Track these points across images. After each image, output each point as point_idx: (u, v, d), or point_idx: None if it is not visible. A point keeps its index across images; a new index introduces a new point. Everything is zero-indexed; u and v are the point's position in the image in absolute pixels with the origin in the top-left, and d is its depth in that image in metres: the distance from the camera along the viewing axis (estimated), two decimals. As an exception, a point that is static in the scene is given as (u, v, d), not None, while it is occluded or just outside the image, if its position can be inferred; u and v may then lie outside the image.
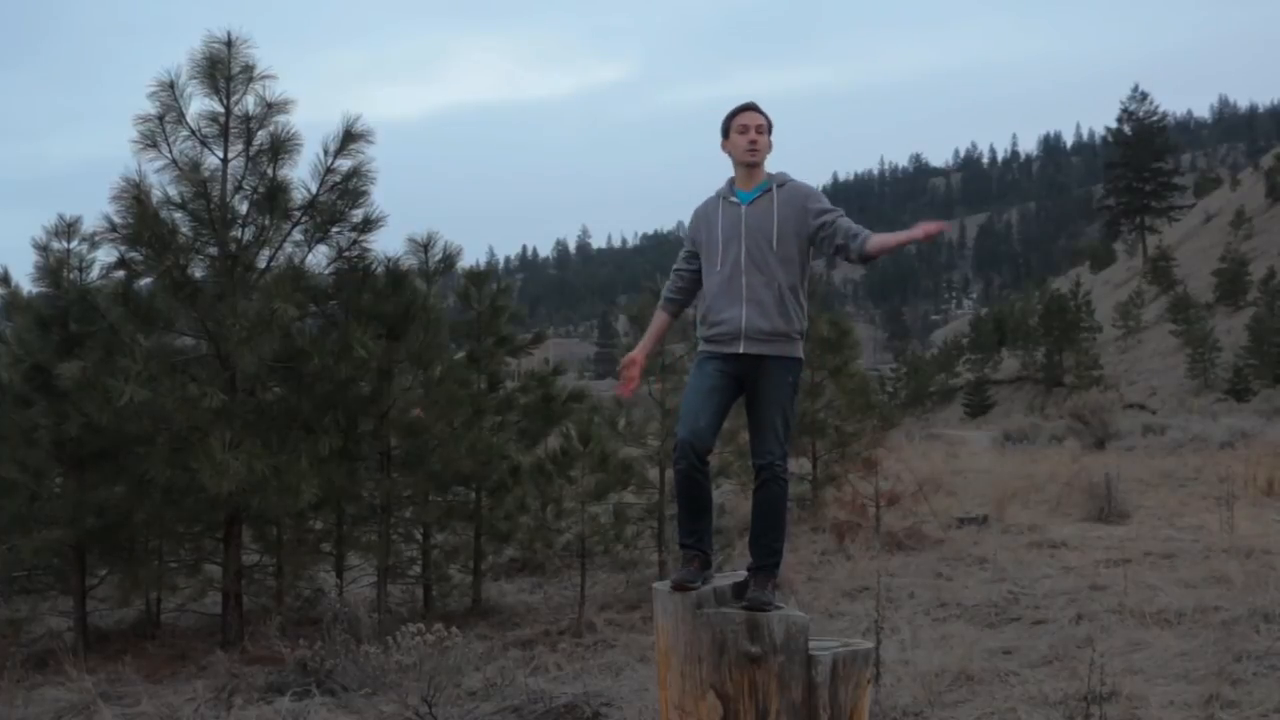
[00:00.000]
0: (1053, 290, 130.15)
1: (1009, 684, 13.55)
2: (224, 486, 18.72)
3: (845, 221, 8.01)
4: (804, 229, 8.07)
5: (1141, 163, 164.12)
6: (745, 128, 7.97)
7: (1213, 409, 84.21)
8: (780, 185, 8.09)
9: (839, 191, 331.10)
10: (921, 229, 7.51)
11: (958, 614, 17.49)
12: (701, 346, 8.17)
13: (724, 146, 8.13)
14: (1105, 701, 11.71)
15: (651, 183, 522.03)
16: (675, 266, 8.51)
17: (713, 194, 8.16)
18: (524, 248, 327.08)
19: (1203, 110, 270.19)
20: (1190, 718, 11.48)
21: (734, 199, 8.05)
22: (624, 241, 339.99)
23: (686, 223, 8.64)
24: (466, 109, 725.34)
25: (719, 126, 8.14)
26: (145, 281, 20.24)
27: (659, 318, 8.69)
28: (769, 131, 8.07)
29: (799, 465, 30.79)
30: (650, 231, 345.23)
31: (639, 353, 8.49)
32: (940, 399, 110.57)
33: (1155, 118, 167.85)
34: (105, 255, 20.20)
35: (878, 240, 7.88)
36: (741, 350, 7.87)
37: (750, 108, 8.09)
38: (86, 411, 19.40)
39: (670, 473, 24.30)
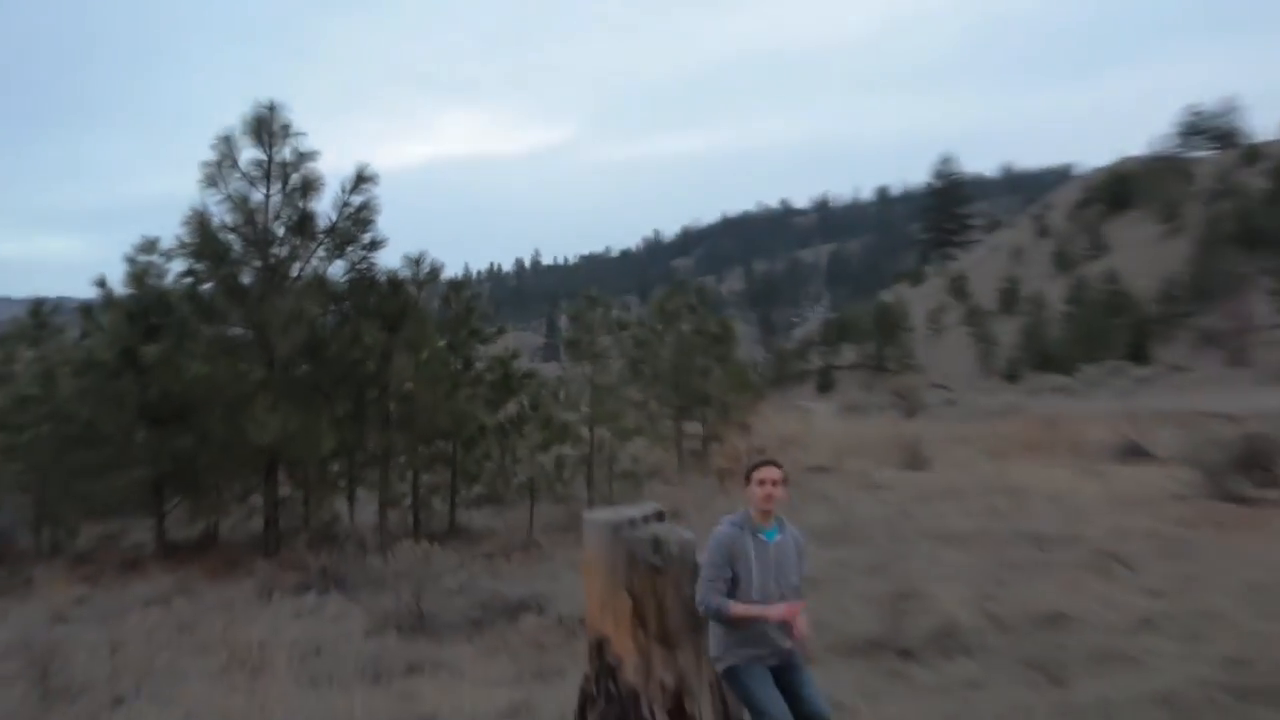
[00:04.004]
0: (881, 301, 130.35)
1: (843, 585, 13.69)
2: (265, 439, 19.02)
3: None
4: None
5: (946, 209, 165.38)
6: (764, 481, 6.85)
7: (992, 388, 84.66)
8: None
9: (729, 226, 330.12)
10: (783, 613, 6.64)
11: (809, 537, 17.59)
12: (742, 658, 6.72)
13: (745, 490, 6.98)
14: (910, 598, 11.96)
15: (585, 215, 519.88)
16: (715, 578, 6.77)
17: (733, 526, 6.89)
18: (490, 263, 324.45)
19: (992, 171, 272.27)
20: (968, 606, 11.69)
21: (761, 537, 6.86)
22: (566, 260, 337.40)
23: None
24: (447, 161, 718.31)
25: (743, 473, 7.07)
26: (207, 286, 20.34)
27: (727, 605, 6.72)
28: (784, 483, 6.94)
29: (692, 427, 30.97)
30: (586, 252, 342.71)
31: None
32: (798, 379, 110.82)
33: (956, 176, 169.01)
34: (177, 266, 20.42)
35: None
36: (778, 663, 6.70)
37: (769, 463, 7.01)
38: (163, 382, 19.70)
39: (598, 430, 24.60)
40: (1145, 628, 10.76)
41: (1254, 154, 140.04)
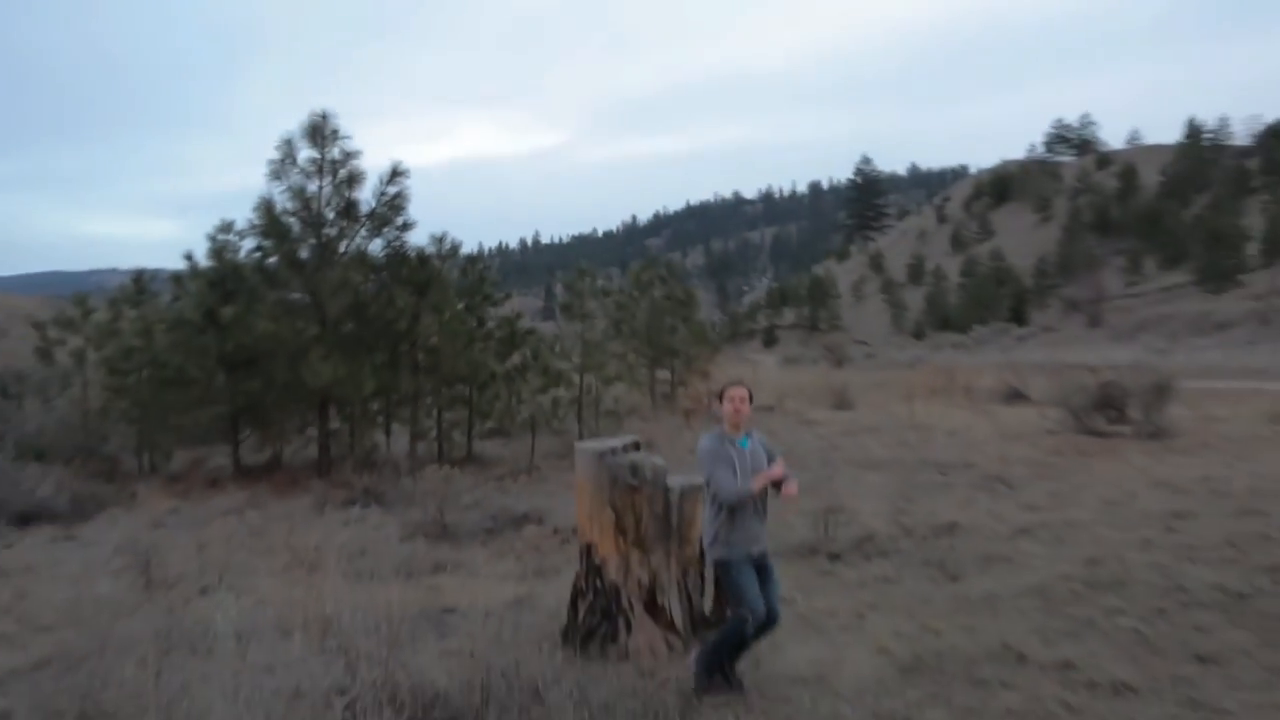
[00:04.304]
0: (814, 274, 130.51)
1: (783, 504, 13.79)
2: (318, 382, 18.97)
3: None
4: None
5: (866, 200, 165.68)
6: (733, 398, 6.66)
7: (903, 344, 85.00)
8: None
9: (692, 212, 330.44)
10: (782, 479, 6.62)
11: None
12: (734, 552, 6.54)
13: (719, 406, 6.80)
14: (838, 512, 11.99)
15: (576, 203, 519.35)
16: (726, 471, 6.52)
17: (713, 439, 6.67)
18: (499, 242, 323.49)
19: (902, 169, 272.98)
20: (883, 518, 11.76)
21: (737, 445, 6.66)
22: (560, 239, 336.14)
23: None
24: (465, 161, 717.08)
25: (715, 393, 7.00)
26: (272, 259, 20.26)
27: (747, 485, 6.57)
28: (749, 401, 6.75)
29: (663, 375, 30.96)
30: (577, 233, 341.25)
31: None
32: (747, 336, 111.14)
33: (874, 173, 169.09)
34: (249, 243, 20.33)
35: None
36: (755, 551, 6.57)
37: (738, 384, 6.85)
38: (237, 337, 19.62)
39: (586, 376, 24.57)
40: (1022, 535, 10.82)
41: (1106, 159, 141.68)
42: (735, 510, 6.57)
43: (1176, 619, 7.77)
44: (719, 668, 6.65)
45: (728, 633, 6.58)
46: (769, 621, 6.58)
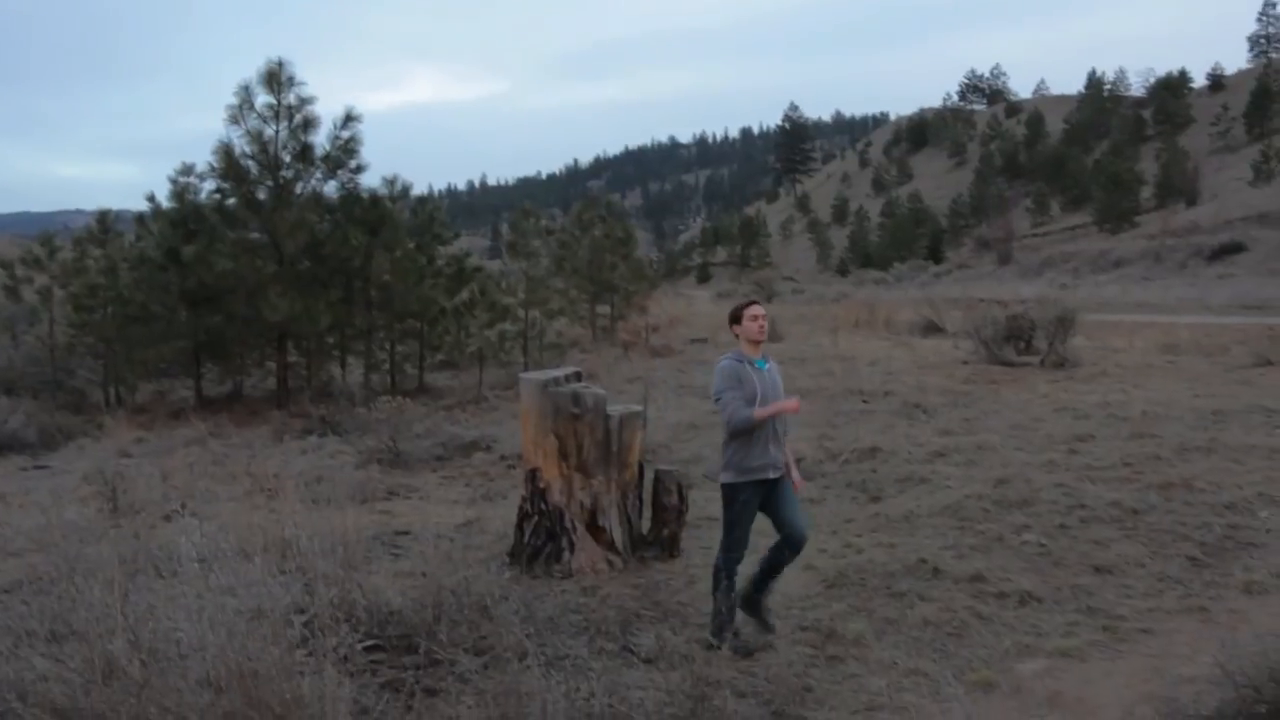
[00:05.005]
0: (745, 214, 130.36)
1: (716, 429, 13.71)
2: (276, 318, 18.76)
3: None
4: None
5: (794, 145, 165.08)
6: (756, 316, 6.05)
7: (828, 280, 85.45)
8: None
9: (630, 156, 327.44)
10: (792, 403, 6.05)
11: (690, 392, 17.55)
12: (742, 480, 5.99)
13: (734, 329, 6.16)
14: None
15: (521, 147, 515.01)
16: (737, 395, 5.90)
17: (733, 360, 6.02)
18: (448, 184, 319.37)
19: (827, 115, 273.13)
20: (810, 443, 11.80)
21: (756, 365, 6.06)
22: (506, 181, 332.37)
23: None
24: (415, 106, 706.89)
25: (729, 315, 6.27)
26: (231, 200, 19.99)
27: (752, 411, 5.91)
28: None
29: (603, 309, 30.90)
30: (521, 175, 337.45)
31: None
32: (683, 273, 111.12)
33: (800, 119, 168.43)
34: (209, 185, 20.08)
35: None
36: (771, 475, 6.00)
37: (755, 301, 6.27)
38: (198, 275, 19.29)
39: (531, 311, 24.43)
40: (938, 458, 10.91)
41: (1015, 108, 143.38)
42: (751, 433, 5.94)
43: (1077, 534, 7.90)
44: (725, 610, 5.98)
45: (717, 570, 6.11)
46: (795, 543, 6.07)
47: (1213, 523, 7.97)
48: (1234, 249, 54.59)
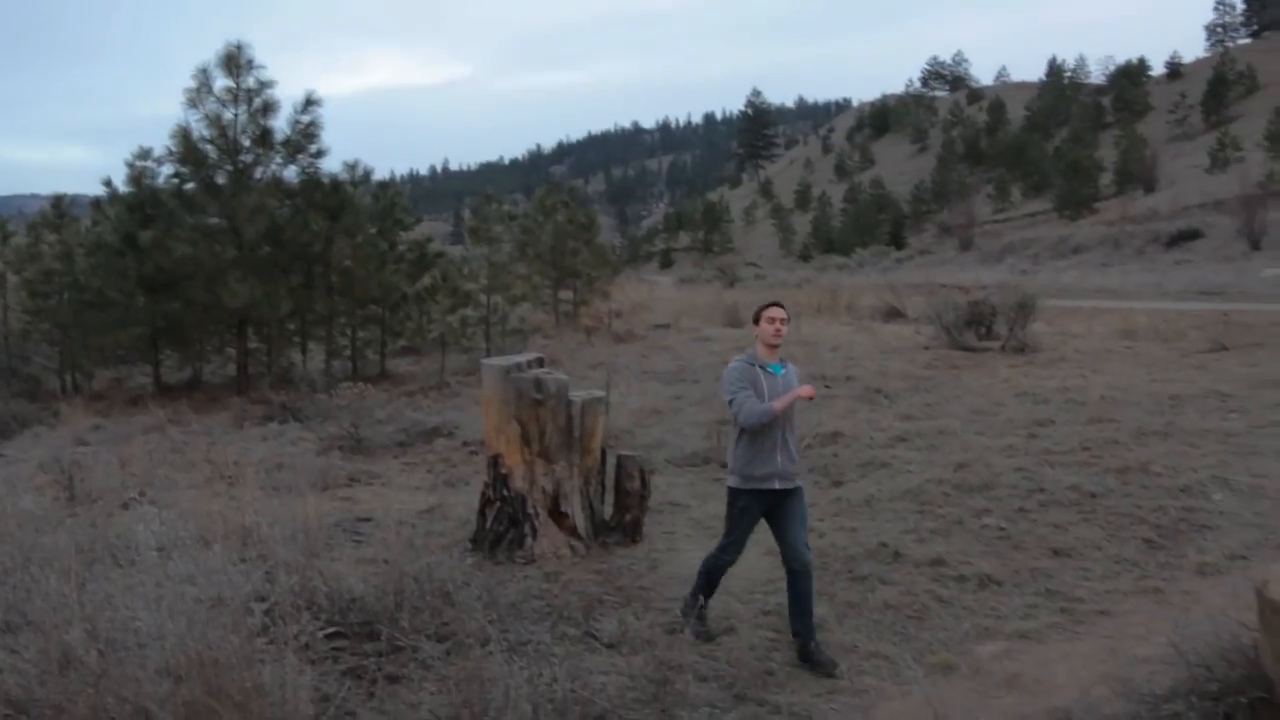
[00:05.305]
0: (708, 200, 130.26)
1: (680, 415, 13.81)
2: (236, 303, 18.58)
3: None
4: None
5: (757, 130, 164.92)
6: (773, 319, 5.84)
7: (790, 266, 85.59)
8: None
9: (593, 141, 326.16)
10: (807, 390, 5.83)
11: (653, 377, 17.57)
12: (746, 486, 5.83)
13: (755, 330, 5.95)
14: (728, 424, 11.94)
15: (484, 132, 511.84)
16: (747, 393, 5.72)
17: (744, 362, 5.89)
18: (410, 169, 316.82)
19: (790, 101, 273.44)
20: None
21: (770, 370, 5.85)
22: (468, 166, 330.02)
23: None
24: (375, 90, 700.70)
25: (751, 315, 6.13)
26: (189, 185, 19.78)
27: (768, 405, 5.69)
28: (786, 322, 5.91)
29: (565, 295, 30.85)
30: (484, 161, 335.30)
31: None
32: (646, 259, 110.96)
33: (763, 105, 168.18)
34: (166, 169, 19.84)
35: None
36: (777, 486, 5.81)
37: (776, 304, 6.00)
38: (156, 260, 19.06)
39: (493, 297, 24.34)
40: (899, 443, 10.99)
41: (976, 95, 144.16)
42: (757, 438, 5.73)
43: (1036, 517, 7.99)
44: (696, 604, 5.91)
45: (703, 565, 6.10)
46: (794, 567, 5.76)
47: (1168, 506, 8.07)
48: (1191, 235, 55.02)
